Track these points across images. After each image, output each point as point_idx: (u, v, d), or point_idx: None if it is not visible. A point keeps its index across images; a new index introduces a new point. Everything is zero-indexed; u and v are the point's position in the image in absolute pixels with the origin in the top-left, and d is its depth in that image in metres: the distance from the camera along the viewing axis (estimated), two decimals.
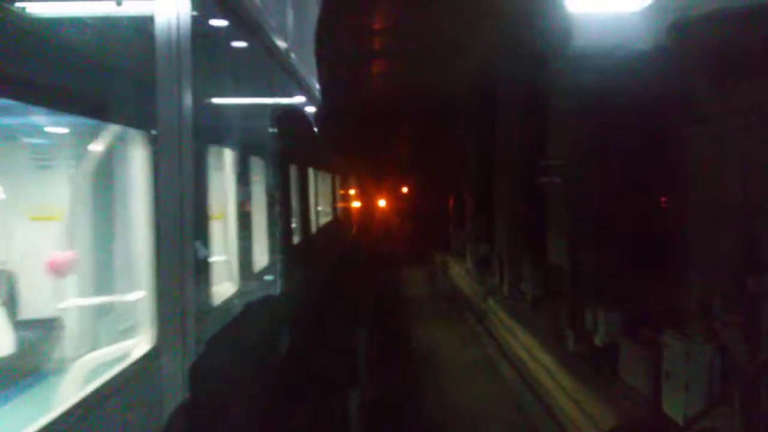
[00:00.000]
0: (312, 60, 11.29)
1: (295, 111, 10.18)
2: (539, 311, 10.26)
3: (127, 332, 4.10)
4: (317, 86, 12.98)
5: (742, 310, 5.61)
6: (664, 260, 6.87)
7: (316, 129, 13.03)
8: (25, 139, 5.59)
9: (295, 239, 9.41)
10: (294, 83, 9.59)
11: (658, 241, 7.14)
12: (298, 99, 9.94)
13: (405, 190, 37.39)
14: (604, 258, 8.38)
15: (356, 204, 27.70)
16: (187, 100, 4.07)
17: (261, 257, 7.64)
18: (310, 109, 11.94)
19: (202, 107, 4.51)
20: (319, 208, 14.28)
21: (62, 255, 4.80)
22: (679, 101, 6.31)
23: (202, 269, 4.73)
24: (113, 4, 3.36)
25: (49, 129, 5.33)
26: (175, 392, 3.79)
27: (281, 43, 7.66)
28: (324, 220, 15.94)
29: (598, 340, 7.58)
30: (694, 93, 6.08)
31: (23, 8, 2.89)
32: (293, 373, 7.65)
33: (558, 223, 10.30)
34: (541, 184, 11.07)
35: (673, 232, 6.83)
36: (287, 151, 8.53)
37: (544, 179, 10.96)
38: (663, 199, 7.86)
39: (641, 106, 6.98)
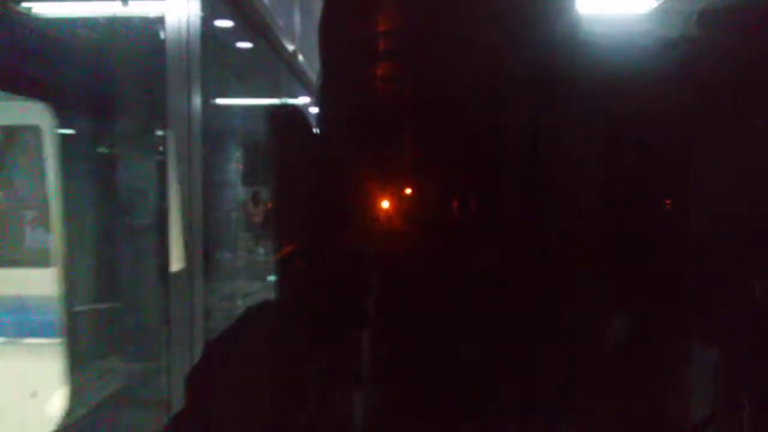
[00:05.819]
0: (318, 61, 11.28)
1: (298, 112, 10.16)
2: None
3: None
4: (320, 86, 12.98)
5: (749, 312, 5.63)
6: (669, 262, 6.89)
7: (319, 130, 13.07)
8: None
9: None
10: (301, 84, 9.61)
11: (662, 242, 7.16)
12: (304, 100, 9.98)
13: (408, 191, 37.53)
14: (606, 260, 8.40)
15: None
16: (197, 100, 4.09)
17: None
18: (315, 110, 11.99)
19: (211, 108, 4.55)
20: None
21: None
22: (694, 97, 6.32)
23: None
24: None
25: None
26: None
27: (289, 45, 7.72)
28: None
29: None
30: (714, 88, 6.09)
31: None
32: None
33: (557, 223, 10.31)
34: (545, 182, 11.08)
35: (678, 234, 6.85)
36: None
37: (547, 178, 10.96)
38: (667, 202, 7.88)
39: (648, 102, 7.00)
